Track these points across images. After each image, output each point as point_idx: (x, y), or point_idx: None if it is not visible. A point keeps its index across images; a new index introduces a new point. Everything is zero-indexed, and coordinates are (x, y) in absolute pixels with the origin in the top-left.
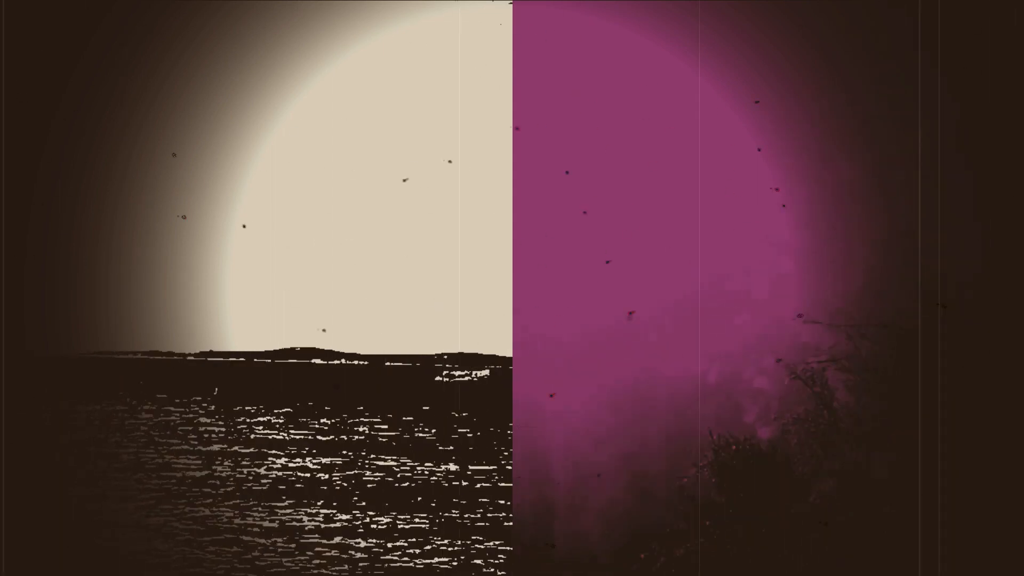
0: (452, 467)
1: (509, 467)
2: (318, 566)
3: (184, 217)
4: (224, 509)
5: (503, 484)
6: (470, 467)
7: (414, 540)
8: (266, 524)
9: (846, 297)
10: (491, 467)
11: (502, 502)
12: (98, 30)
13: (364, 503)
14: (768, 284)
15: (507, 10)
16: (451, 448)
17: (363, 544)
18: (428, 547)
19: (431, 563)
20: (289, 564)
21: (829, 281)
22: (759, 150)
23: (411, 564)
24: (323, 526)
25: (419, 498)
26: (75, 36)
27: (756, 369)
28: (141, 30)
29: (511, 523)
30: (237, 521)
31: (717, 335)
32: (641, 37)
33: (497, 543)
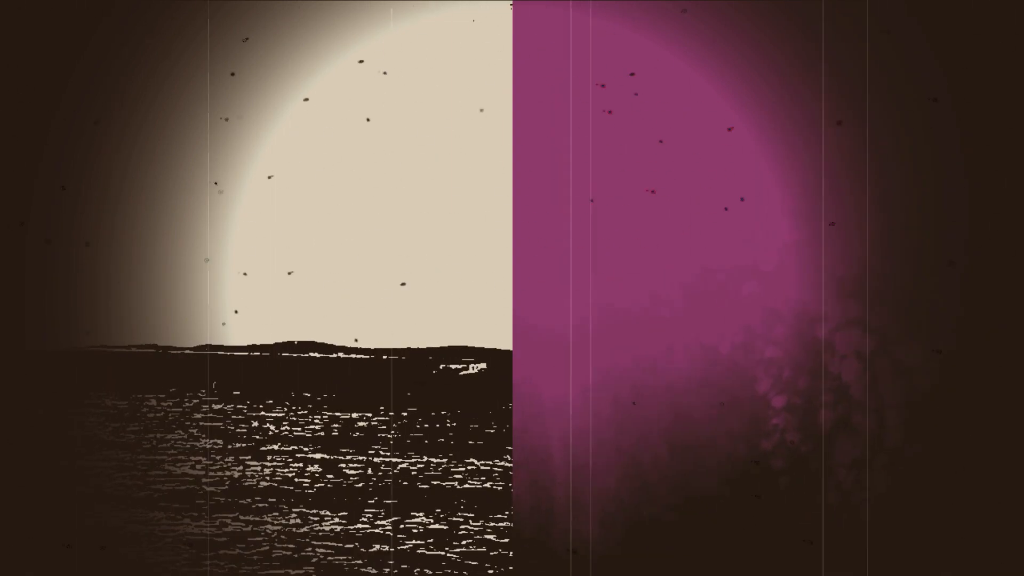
0: (448, 463)
1: (509, 465)
2: (315, 569)
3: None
4: (223, 509)
5: (503, 482)
6: (468, 462)
7: (411, 541)
8: (262, 526)
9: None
10: (491, 462)
11: (501, 495)
12: (98, 30)
13: (362, 501)
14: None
15: (507, 9)
16: (452, 444)
17: (359, 546)
18: (428, 546)
19: (429, 565)
20: (288, 568)
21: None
22: (729, 129)
23: (409, 565)
24: (322, 527)
25: (419, 496)
26: (75, 36)
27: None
28: (141, 30)
29: (511, 522)
30: (237, 521)
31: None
32: (642, 38)
33: (496, 540)
